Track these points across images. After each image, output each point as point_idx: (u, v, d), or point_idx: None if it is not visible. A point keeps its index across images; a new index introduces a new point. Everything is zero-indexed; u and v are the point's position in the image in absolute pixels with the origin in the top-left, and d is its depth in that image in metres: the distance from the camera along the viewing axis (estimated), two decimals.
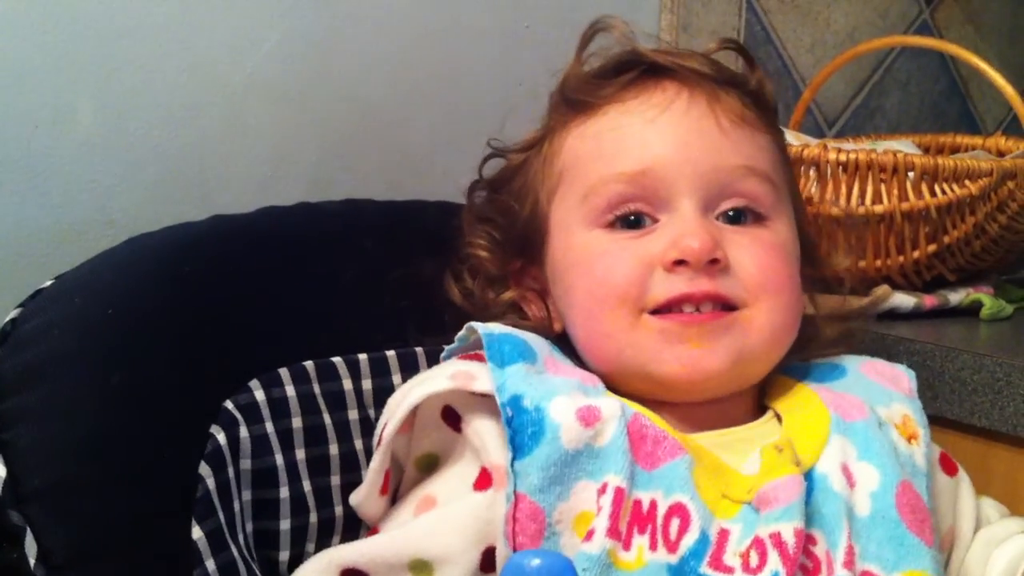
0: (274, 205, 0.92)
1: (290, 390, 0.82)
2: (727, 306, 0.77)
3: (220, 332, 0.81)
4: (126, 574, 0.73)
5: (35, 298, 0.78)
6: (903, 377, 0.86)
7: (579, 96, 0.83)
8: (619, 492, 0.71)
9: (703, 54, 0.85)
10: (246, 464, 0.79)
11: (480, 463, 0.74)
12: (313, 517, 0.82)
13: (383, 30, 1.11)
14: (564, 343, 0.83)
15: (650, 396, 0.79)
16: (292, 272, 0.87)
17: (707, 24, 1.35)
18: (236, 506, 0.77)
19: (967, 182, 1.11)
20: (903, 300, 1.14)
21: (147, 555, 0.73)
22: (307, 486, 0.82)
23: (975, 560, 0.86)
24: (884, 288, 1.13)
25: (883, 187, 1.12)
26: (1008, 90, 1.10)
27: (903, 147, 1.25)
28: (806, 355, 0.86)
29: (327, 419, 0.84)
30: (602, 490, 0.71)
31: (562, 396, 0.73)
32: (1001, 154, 1.27)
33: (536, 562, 0.56)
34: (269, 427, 0.80)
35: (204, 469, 0.76)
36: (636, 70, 0.83)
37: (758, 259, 0.79)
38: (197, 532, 0.74)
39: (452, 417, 0.76)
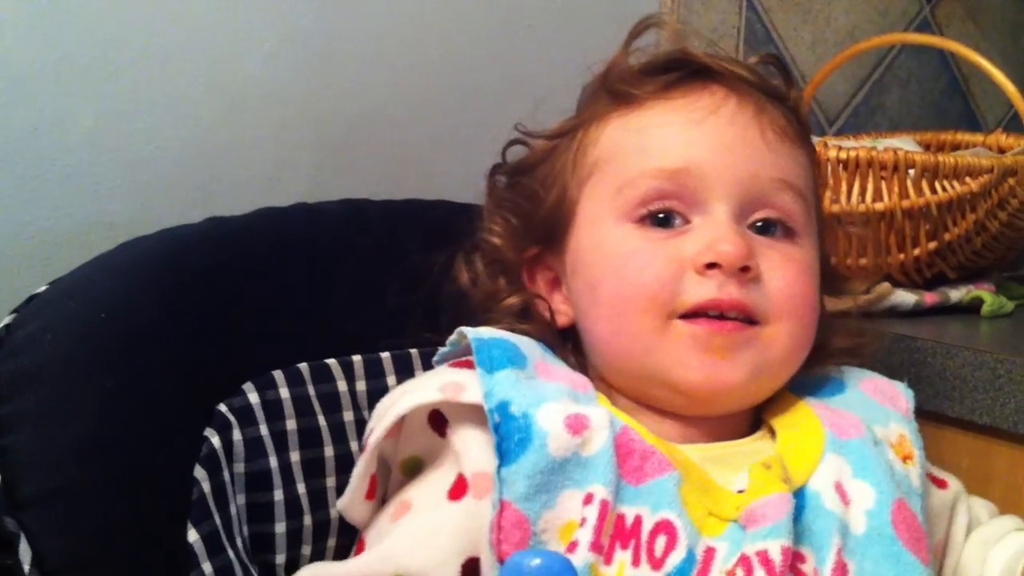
0: (270, 206, 0.92)
1: (284, 392, 0.82)
2: (749, 319, 0.77)
3: (214, 335, 0.81)
4: None
5: (29, 303, 0.78)
6: (901, 396, 0.86)
7: (623, 87, 0.83)
8: (604, 505, 0.70)
9: (749, 65, 0.84)
10: (240, 467, 0.79)
11: (457, 470, 0.73)
12: (308, 520, 0.82)
13: (382, 31, 1.11)
14: (564, 339, 0.83)
15: (659, 404, 0.79)
16: (287, 274, 0.87)
17: (707, 21, 1.35)
18: (232, 509, 0.77)
19: (968, 179, 1.11)
20: (904, 297, 1.14)
21: (142, 560, 0.73)
22: (301, 488, 0.82)
23: (971, 561, 0.85)
24: (885, 285, 1.13)
25: (884, 184, 1.12)
26: (1009, 87, 1.09)
27: (904, 144, 1.25)
28: (810, 366, 0.85)
29: (322, 421, 0.83)
30: (587, 500, 0.70)
31: (551, 403, 0.73)
32: (1002, 151, 1.27)
33: (536, 562, 0.56)
34: (263, 429, 0.80)
35: (199, 472, 0.76)
36: (684, 70, 0.82)
37: (787, 278, 0.78)
38: (193, 535, 0.73)
39: (439, 421, 0.76)
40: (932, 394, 1.00)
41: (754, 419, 0.84)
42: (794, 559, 0.71)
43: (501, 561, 0.68)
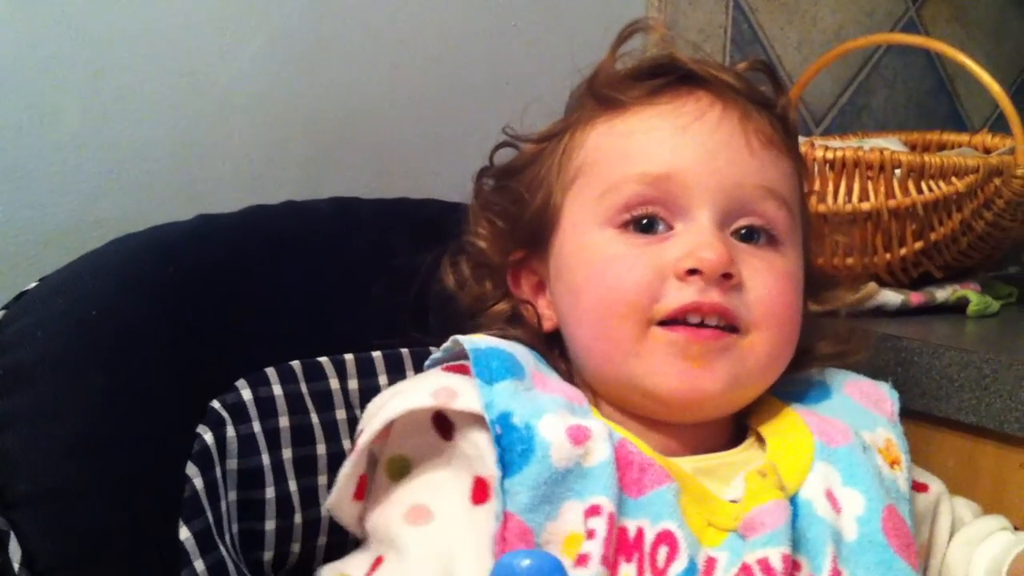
0: (261, 204, 0.92)
1: (277, 389, 0.82)
2: (730, 326, 0.77)
3: (206, 332, 0.81)
4: None
5: (19, 300, 0.77)
6: (886, 399, 0.86)
7: (609, 92, 0.83)
8: (611, 518, 0.70)
9: (737, 71, 0.84)
10: (232, 464, 0.78)
11: (472, 473, 0.73)
12: (298, 518, 0.82)
13: (370, 30, 1.11)
14: (551, 345, 0.83)
15: (641, 412, 0.79)
16: (278, 271, 0.87)
17: (694, 22, 1.36)
18: (223, 506, 0.77)
19: (954, 179, 1.11)
20: (890, 297, 1.14)
21: (134, 560, 0.73)
22: (293, 486, 0.82)
23: (956, 561, 0.86)
24: (871, 285, 1.13)
25: (870, 184, 1.12)
26: (994, 87, 1.10)
27: (890, 144, 1.25)
28: (795, 370, 0.85)
29: (314, 419, 0.83)
30: (589, 511, 0.70)
31: (551, 414, 0.72)
32: (987, 151, 1.27)
33: (526, 562, 0.56)
34: (256, 427, 0.80)
35: (191, 469, 0.75)
36: (671, 75, 0.82)
37: (769, 286, 0.78)
38: (185, 532, 0.73)
39: (443, 425, 0.75)
40: (918, 394, 1.00)
41: (738, 426, 0.84)
42: (791, 567, 0.71)
43: None
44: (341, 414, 0.85)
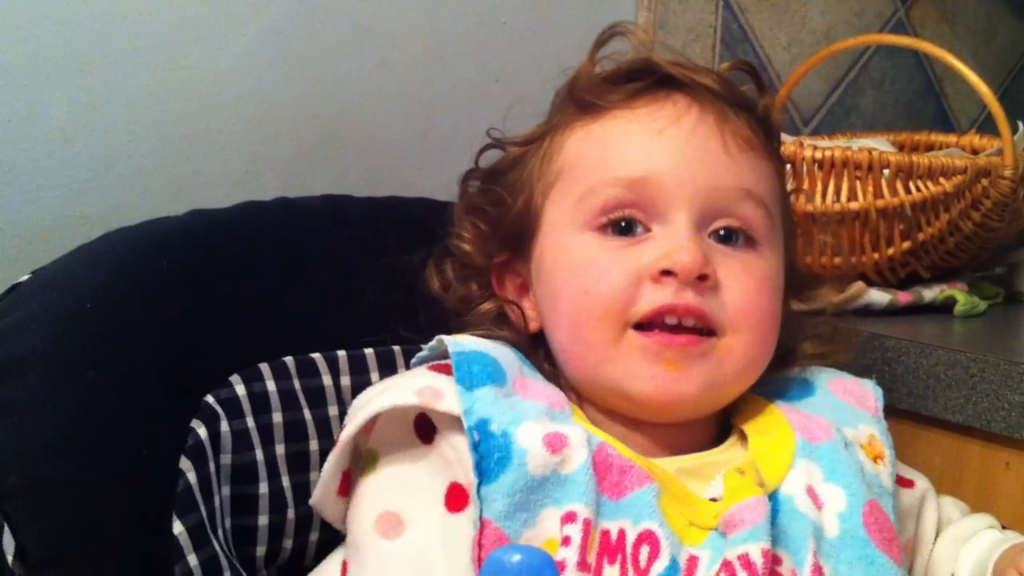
0: (252, 200, 0.92)
1: (271, 385, 0.82)
2: (706, 329, 0.77)
3: (199, 327, 0.81)
4: (105, 570, 0.73)
5: (11, 293, 0.77)
6: (870, 396, 0.86)
7: (588, 97, 0.83)
8: (587, 524, 0.70)
9: (717, 73, 0.84)
10: (226, 459, 0.79)
11: (450, 478, 0.73)
12: (291, 513, 0.82)
13: (358, 26, 1.11)
14: (537, 343, 0.83)
15: (621, 412, 0.79)
16: (271, 268, 0.87)
17: (684, 21, 1.36)
18: (216, 501, 0.77)
19: (941, 180, 1.12)
20: (878, 297, 1.14)
21: (126, 553, 0.73)
22: (286, 481, 0.82)
23: (943, 558, 0.86)
24: (859, 285, 1.14)
25: (858, 184, 1.13)
26: (982, 88, 1.10)
27: (878, 145, 1.26)
28: (779, 368, 0.86)
29: (307, 415, 0.84)
30: (566, 518, 0.71)
31: (529, 422, 0.72)
32: (975, 152, 1.28)
33: (516, 558, 0.56)
34: (250, 422, 0.80)
35: (185, 464, 0.75)
36: (649, 79, 0.82)
37: (746, 288, 0.78)
38: (178, 527, 0.73)
39: (425, 427, 0.75)
40: (905, 393, 1.01)
41: (723, 424, 0.84)
42: (772, 562, 0.71)
43: None
44: (333, 410, 0.85)
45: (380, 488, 0.75)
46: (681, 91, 0.81)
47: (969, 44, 1.64)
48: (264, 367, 0.82)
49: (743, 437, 0.82)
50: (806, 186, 1.12)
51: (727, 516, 0.73)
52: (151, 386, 0.77)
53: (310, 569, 0.81)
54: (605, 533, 0.71)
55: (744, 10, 1.41)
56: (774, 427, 0.81)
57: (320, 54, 1.09)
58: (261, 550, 0.81)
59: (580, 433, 0.73)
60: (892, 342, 1.03)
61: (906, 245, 1.14)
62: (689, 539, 0.73)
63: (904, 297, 1.16)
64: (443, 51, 1.17)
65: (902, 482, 0.86)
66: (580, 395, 0.81)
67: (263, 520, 0.81)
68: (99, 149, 0.98)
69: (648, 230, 0.78)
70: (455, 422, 0.73)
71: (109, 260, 0.80)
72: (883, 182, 1.12)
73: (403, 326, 0.87)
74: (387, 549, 0.72)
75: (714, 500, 0.76)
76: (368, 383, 0.86)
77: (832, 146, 1.16)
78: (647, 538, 0.72)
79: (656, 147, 0.79)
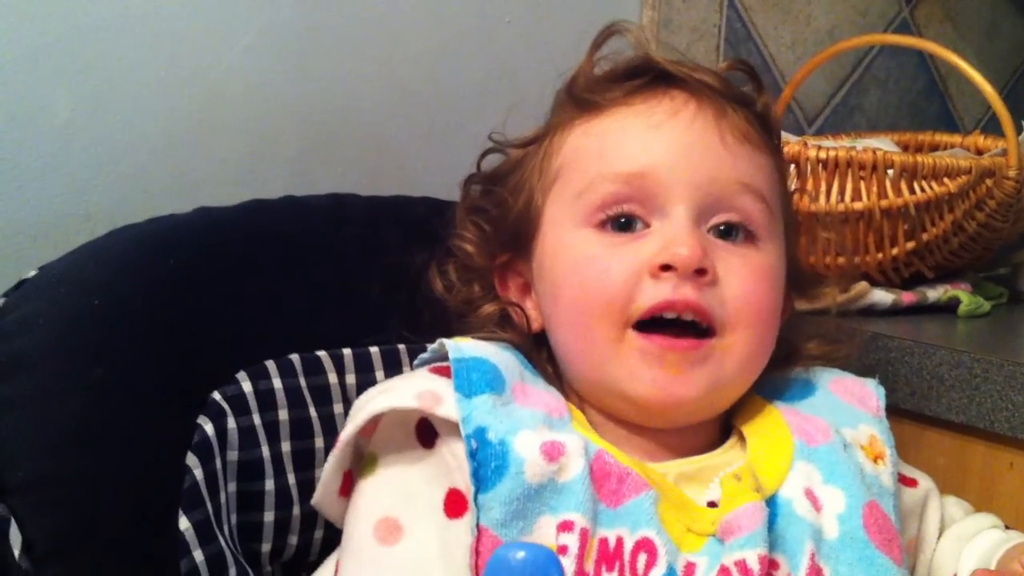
0: (259, 198, 0.92)
1: (277, 382, 0.82)
2: (705, 327, 0.77)
3: (206, 325, 0.81)
4: (109, 566, 0.73)
5: (19, 288, 0.78)
6: (871, 395, 0.86)
7: (587, 95, 0.83)
8: (584, 533, 0.70)
9: (714, 71, 0.84)
10: (233, 455, 0.79)
11: (449, 484, 0.73)
12: (296, 510, 0.82)
13: (362, 25, 1.11)
14: (540, 345, 0.83)
15: (622, 415, 0.79)
16: (277, 266, 0.87)
17: (688, 20, 1.36)
18: (222, 497, 0.77)
19: (946, 180, 1.11)
20: (881, 297, 1.14)
21: (132, 548, 0.73)
22: (292, 479, 0.82)
23: (946, 557, 0.86)
24: (863, 285, 1.14)
25: (862, 184, 1.13)
26: (986, 88, 1.10)
27: (882, 145, 1.26)
28: (780, 368, 0.86)
29: (313, 412, 0.84)
30: (562, 527, 0.71)
31: (527, 430, 0.73)
32: (979, 152, 1.28)
33: (520, 555, 0.56)
34: (256, 419, 0.81)
35: (191, 460, 0.76)
36: (647, 76, 0.82)
37: (745, 283, 0.78)
38: (184, 523, 0.74)
39: (427, 432, 0.75)
40: (909, 393, 1.01)
41: (725, 424, 0.84)
42: (769, 566, 0.72)
43: None
44: (339, 408, 0.85)
45: (379, 492, 0.75)
46: (679, 87, 0.81)
47: (973, 44, 1.64)
48: (270, 364, 0.83)
49: (743, 438, 0.82)
50: (810, 186, 1.12)
51: (724, 522, 0.73)
52: (156, 382, 0.77)
53: (315, 565, 0.82)
54: (603, 541, 0.72)
55: (748, 9, 1.41)
56: (772, 429, 0.81)
57: (324, 52, 1.09)
58: (266, 546, 0.81)
59: (578, 441, 0.73)
60: (896, 342, 1.03)
61: (910, 245, 1.14)
62: (686, 546, 0.73)
63: (908, 297, 1.15)
64: (447, 50, 1.17)
65: (905, 481, 0.86)
66: (581, 397, 0.81)
67: (268, 516, 0.81)
68: (102, 147, 0.98)
69: (647, 225, 0.78)
70: (455, 428, 0.73)
71: (115, 257, 0.81)
72: (887, 182, 1.12)
73: (406, 325, 0.87)
74: (385, 556, 0.72)
75: (712, 504, 0.76)
76: (373, 381, 0.86)
77: (836, 146, 1.16)
78: (644, 546, 0.72)
79: (653, 141, 0.79)
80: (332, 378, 0.85)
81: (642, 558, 0.71)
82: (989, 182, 1.12)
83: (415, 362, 0.82)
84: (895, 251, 1.15)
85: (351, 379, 0.86)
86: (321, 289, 0.88)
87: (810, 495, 0.77)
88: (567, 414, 0.77)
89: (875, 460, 0.81)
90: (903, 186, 1.12)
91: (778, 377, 0.86)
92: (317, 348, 0.86)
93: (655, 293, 0.76)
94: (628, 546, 0.72)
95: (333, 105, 1.10)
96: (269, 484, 0.81)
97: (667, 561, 0.71)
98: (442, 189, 0.97)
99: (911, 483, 0.87)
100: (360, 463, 0.77)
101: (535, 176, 0.84)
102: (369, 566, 0.73)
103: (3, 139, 0.93)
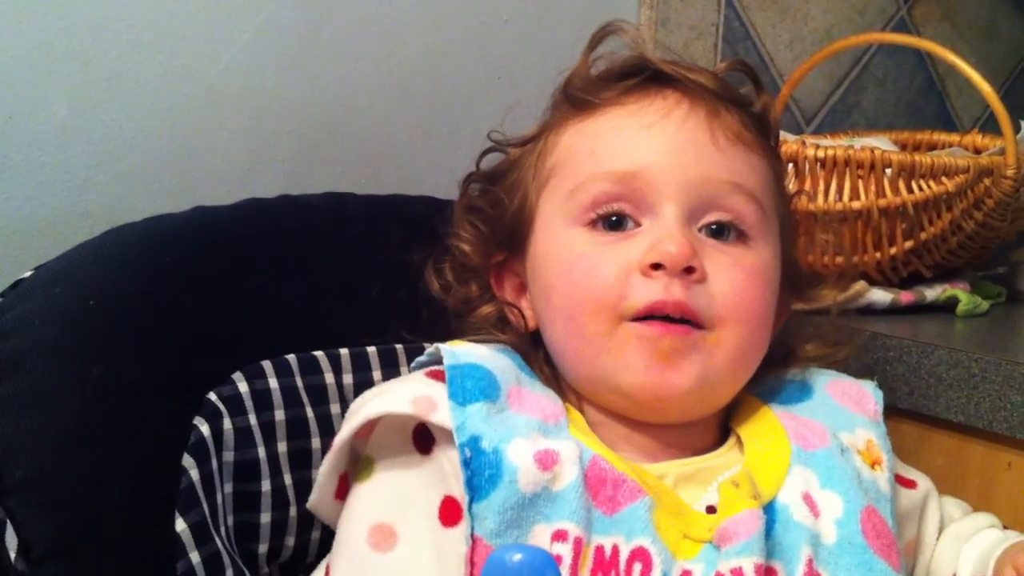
0: (256, 197, 0.92)
1: (273, 383, 0.82)
2: (694, 323, 0.77)
3: (202, 324, 0.81)
4: (108, 566, 0.73)
5: (15, 288, 0.77)
6: (869, 399, 0.86)
7: (581, 95, 0.83)
8: (578, 542, 0.70)
9: (711, 71, 0.84)
10: (229, 456, 0.79)
11: (445, 492, 0.73)
12: (293, 511, 0.82)
13: (360, 23, 1.11)
14: (538, 345, 0.83)
15: (617, 410, 0.79)
16: (275, 265, 0.87)
17: (686, 19, 1.36)
18: (219, 498, 0.77)
19: (944, 179, 1.11)
20: (880, 296, 1.14)
21: (129, 548, 0.73)
22: (288, 479, 0.82)
23: (945, 556, 0.86)
24: (861, 284, 1.14)
25: (860, 183, 1.12)
26: (985, 87, 1.10)
27: (880, 144, 1.26)
28: (777, 370, 0.86)
29: (309, 412, 0.84)
30: (556, 536, 0.71)
31: (521, 439, 0.72)
32: (978, 151, 1.28)
33: (518, 557, 0.56)
34: (252, 419, 0.80)
35: (187, 461, 0.76)
36: (641, 76, 0.82)
37: (734, 281, 0.78)
38: (181, 524, 0.74)
39: (424, 437, 0.75)
40: (907, 392, 1.01)
41: (723, 426, 0.84)
42: (766, 574, 0.72)
43: None
44: (336, 408, 0.85)
45: (375, 497, 0.75)
46: (673, 87, 0.82)
47: (971, 42, 1.64)
48: (267, 364, 0.82)
49: (741, 441, 0.82)
50: (808, 185, 1.12)
51: (721, 529, 0.73)
52: (154, 381, 0.77)
53: (312, 566, 0.81)
54: (599, 549, 0.72)
55: (746, 8, 1.41)
56: (768, 433, 0.81)
57: (322, 51, 1.09)
58: (263, 547, 0.81)
59: (572, 448, 0.73)
60: (894, 342, 1.02)
61: (908, 244, 1.14)
62: (682, 553, 0.73)
63: (906, 296, 1.15)
64: (445, 48, 1.17)
65: (904, 482, 0.86)
66: (579, 396, 0.81)
67: (265, 517, 0.81)
68: (101, 146, 0.98)
69: (638, 224, 0.78)
70: (451, 435, 0.73)
71: (113, 256, 0.80)
72: (885, 181, 1.12)
73: (405, 323, 0.87)
74: (378, 562, 0.72)
75: (711, 508, 0.76)
76: (371, 381, 0.86)
77: (834, 145, 1.16)
78: (639, 555, 0.72)
79: (645, 141, 0.79)
80: (329, 378, 0.85)
81: (637, 567, 0.71)
82: (987, 181, 1.12)
83: (412, 365, 0.83)
84: (893, 250, 1.15)
85: (348, 379, 0.86)
86: (320, 287, 0.88)
87: (808, 500, 0.77)
88: (563, 418, 0.76)
89: (872, 465, 0.81)
90: (901, 185, 1.12)
91: (775, 379, 0.86)
92: (316, 347, 0.86)
93: (647, 292, 0.76)
94: (623, 555, 0.72)
95: (331, 104, 1.10)
96: (266, 485, 0.81)
97: (662, 571, 0.71)
98: (440, 189, 0.97)
99: (910, 484, 0.87)
100: (356, 466, 0.77)
101: (530, 175, 0.84)
102: (362, 573, 0.72)
103: (1, 138, 0.93)
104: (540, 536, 0.71)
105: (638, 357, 0.76)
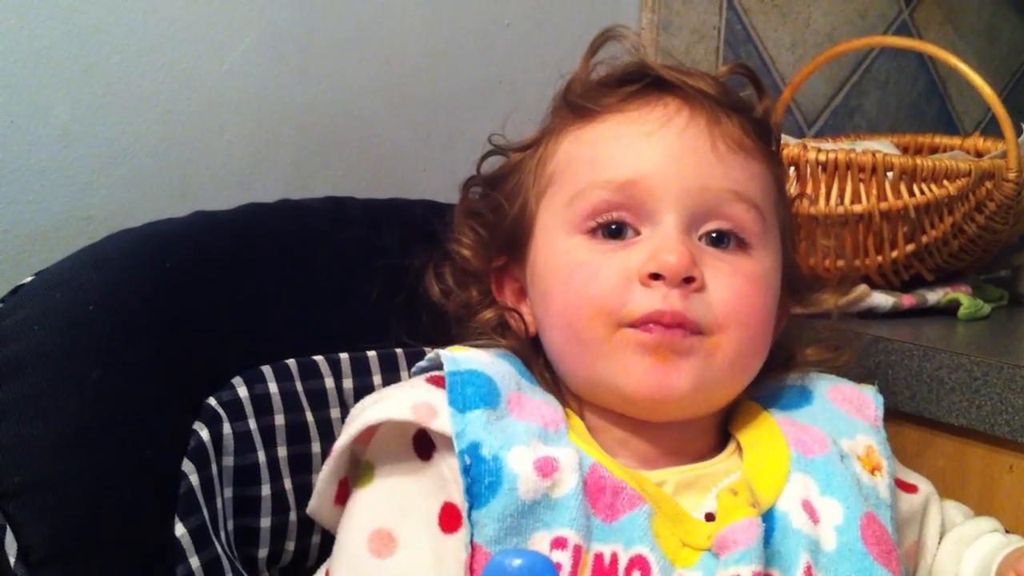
0: (256, 202, 0.92)
1: (273, 387, 0.82)
2: (693, 332, 0.77)
3: (202, 329, 0.81)
4: (107, 572, 0.73)
5: (15, 294, 0.78)
6: (870, 404, 0.86)
7: (581, 101, 0.83)
8: (577, 550, 0.70)
9: (712, 76, 0.84)
10: (228, 461, 0.79)
11: (445, 498, 0.73)
12: (293, 515, 0.82)
13: (361, 28, 1.11)
14: (539, 350, 0.83)
15: (617, 411, 0.79)
16: (274, 269, 0.87)
17: (687, 23, 1.36)
18: (218, 503, 0.77)
19: (945, 182, 1.11)
20: (881, 299, 1.14)
21: (128, 552, 0.73)
22: (288, 484, 0.82)
23: (946, 561, 0.86)
24: (863, 287, 1.13)
25: (862, 187, 1.12)
26: (986, 91, 1.10)
27: (882, 147, 1.26)
28: (777, 375, 0.86)
29: (309, 417, 0.84)
30: (555, 543, 0.71)
31: (521, 446, 0.72)
32: (979, 154, 1.27)
33: (517, 562, 0.56)
34: (252, 424, 0.80)
35: (187, 466, 0.76)
36: (641, 82, 0.82)
37: (734, 289, 0.78)
38: (180, 529, 0.74)
39: (424, 444, 0.75)
40: (908, 396, 1.00)
41: (722, 432, 0.84)
42: None
43: None
44: (335, 413, 0.85)
45: (375, 503, 0.75)
46: (673, 94, 0.81)
47: (973, 46, 1.64)
48: (266, 369, 0.82)
49: (741, 447, 0.82)
50: (809, 189, 1.12)
51: (719, 537, 0.73)
52: (154, 386, 0.77)
53: (312, 571, 0.82)
54: (598, 556, 0.72)
55: (748, 11, 1.41)
56: (768, 439, 0.81)
57: (323, 56, 1.09)
58: (263, 552, 0.81)
59: (572, 455, 0.73)
60: (895, 345, 1.02)
61: (910, 248, 1.14)
62: (681, 561, 0.73)
63: (908, 300, 1.15)
64: (446, 53, 1.17)
65: (905, 487, 0.86)
66: (579, 401, 0.81)
67: (265, 522, 0.81)
68: (102, 150, 0.98)
69: (638, 233, 0.78)
70: (451, 442, 0.73)
71: (112, 261, 0.80)
72: (887, 184, 1.12)
73: (405, 327, 0.87)
74: (378, 568, 0.72)
75: (710, 516, 0.76)
76: (371, 385, 0.86)
77: (836, 148, 1.16)
78: (638, 563, 0.72)
79: (645, 149, 0.79)
80: (329, 382, 0.85)
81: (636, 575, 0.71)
82: (989, 184, 1.12)
83: (412, 370, 0.82)
84: (895, 254, 1.15)
85: (348, 383, 0.86)
86: (320, 291, 0.88)
87: (807, 507, 0.77)
88: (563, 425, 0.76)
89: (872, 471, 0.81)
90: (903, 188, 1.12)
91: (775, 384, 0.85)
92: (316, 351, 0.86)
93: (646, 302, 0.76)
94: (622, 563, 0.72)
95: (332, 108, 1.10)
96: (265, 489, 0.81)
97: None
98: (441, 193, 0.97)
99: (911, 489, 0.87)
100: (356, 471, 0.77)
101: (530, 181, 0.84)
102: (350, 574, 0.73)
103: (3, 142, 0.94)
104: (540, 543, 0.71)
105: (637, 361, 0.76)
